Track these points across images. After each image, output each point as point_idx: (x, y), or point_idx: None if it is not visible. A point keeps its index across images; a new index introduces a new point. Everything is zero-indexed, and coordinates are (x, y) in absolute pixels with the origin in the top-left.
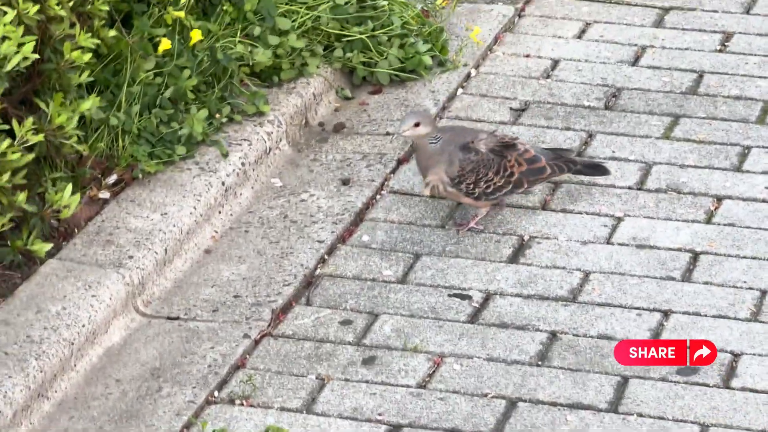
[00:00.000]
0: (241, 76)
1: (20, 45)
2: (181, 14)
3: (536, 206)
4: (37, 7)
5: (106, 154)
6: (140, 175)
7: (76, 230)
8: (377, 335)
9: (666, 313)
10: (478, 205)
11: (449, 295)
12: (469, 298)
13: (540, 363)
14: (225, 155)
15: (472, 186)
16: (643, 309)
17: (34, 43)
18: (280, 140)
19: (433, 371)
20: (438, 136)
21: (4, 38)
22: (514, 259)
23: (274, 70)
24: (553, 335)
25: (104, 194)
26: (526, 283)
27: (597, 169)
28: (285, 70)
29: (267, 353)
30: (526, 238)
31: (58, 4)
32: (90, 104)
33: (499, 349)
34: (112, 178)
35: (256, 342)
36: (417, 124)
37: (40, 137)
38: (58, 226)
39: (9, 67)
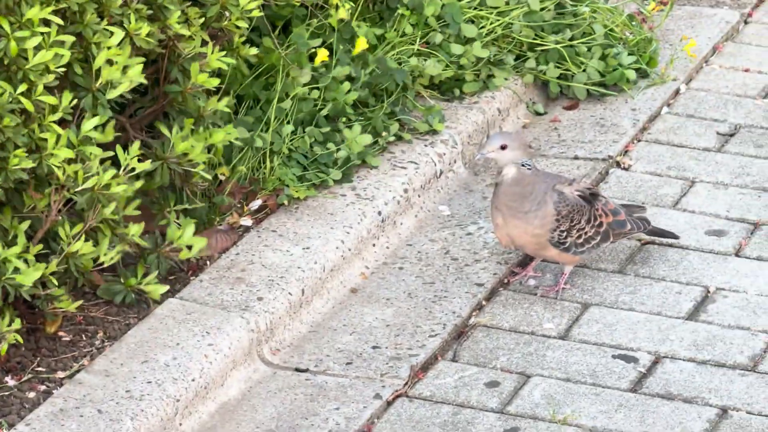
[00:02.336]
0: (417, 89)
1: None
2: (343, 13)
3: (729, 251)
4: (149, 29)
5: (250, 178)
6: (286, 202)
7: (208, 263)
8: (525, 401)
9: None
10: (565, 259)
11: (613, 356)
12: (635, 360)
13: None
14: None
15: (564, 234)
16: None
17: (141, 66)
18: (454, 162)
19: None
20: (531, 163)
21: (109, 62)
22: (693, 315)
23: (455, 83)
24: (724, 411)
25: (246, 221)
26: (702, 346)
27: (665, 234)
28: (468, 82)
29: (398, 418)
30: (711, 289)
31: (182, 22)
32: (222, 136)
33: (659, 425)
34: (255, 204)
35: (388, 403)
36: (503, 147)
37: (147, 165)
38: (189, 258)
39: (113, 94)
